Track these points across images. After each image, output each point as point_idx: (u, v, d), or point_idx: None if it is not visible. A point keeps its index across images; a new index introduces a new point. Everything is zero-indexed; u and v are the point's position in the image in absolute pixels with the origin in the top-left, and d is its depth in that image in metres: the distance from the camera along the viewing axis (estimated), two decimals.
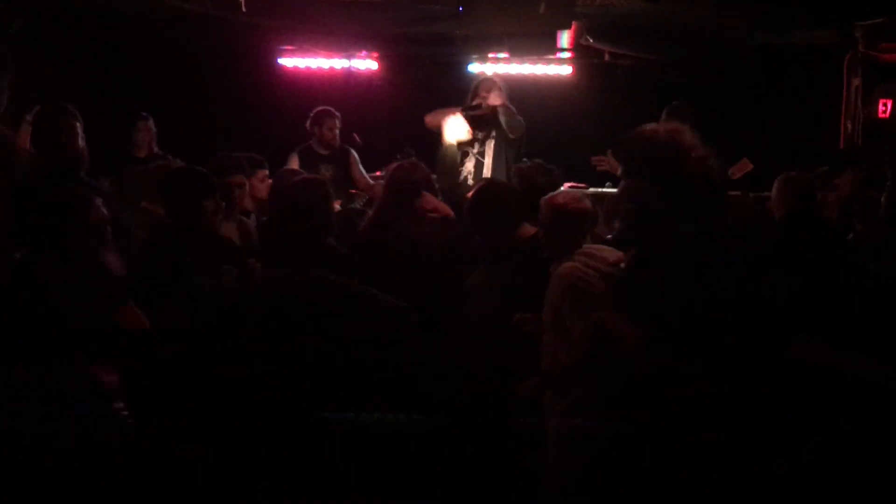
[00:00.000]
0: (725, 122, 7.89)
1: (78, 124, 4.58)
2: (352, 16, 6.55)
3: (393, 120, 7.72)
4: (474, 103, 6.70)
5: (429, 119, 6.96)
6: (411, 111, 7.25)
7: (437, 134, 6.82)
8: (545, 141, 7.96)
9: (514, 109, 6.62)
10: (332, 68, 8.81)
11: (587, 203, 3.60)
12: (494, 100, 6.64)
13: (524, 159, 7.25)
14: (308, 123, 7.00)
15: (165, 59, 8.13)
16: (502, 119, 6.59)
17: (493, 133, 6.66)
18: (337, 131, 6.98)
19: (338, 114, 7.01)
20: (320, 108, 7.05)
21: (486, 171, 6.63)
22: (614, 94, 8.66)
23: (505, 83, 6.81)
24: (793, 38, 7.20)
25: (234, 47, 8.11)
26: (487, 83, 6.76)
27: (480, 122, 6.64)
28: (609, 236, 4.04)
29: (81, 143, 4.56)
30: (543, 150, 7.56)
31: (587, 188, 7.99)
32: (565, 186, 7.99)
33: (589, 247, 3.49)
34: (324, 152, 6.93)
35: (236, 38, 7.71)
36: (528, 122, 6.94)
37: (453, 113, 6.75)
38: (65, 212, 3.26)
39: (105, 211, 3.38)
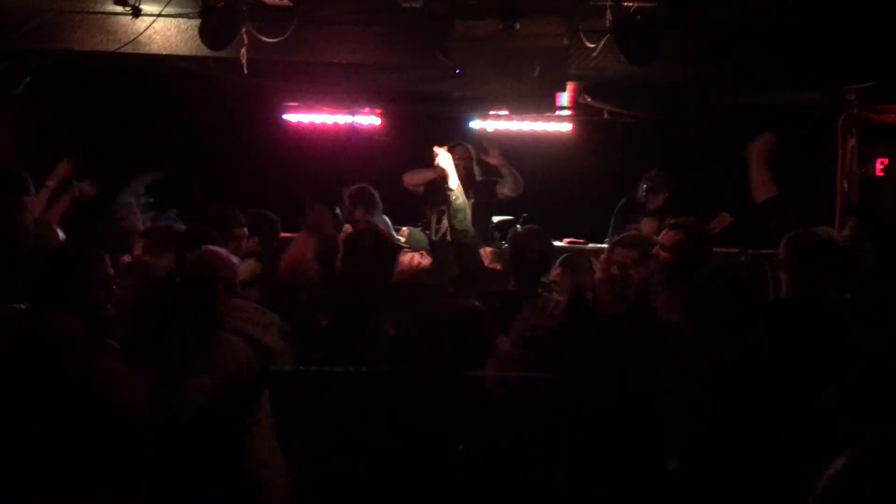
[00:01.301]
0: (722, 180, 7.97)
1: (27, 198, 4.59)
2: (352, 77, 6.68)
3: (396, 173, 7.81)
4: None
5: (407, 178, 7.05)
6: (414, 165, 7.33)
7: (416, 193, 6.93)
8: (546, 197, 8.04)
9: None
10: (335, 124, 8.94)
11: (228, 270, 3.71)
12: (494, 160, 6.76)
13: (524, 215, 7.35)
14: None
15: (170, 115, 8.27)
16: (508, 181, 6.72)
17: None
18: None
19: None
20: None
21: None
22: (614, 150, 8.75)
23: (474, 148, 6.96)
24: (785, 99, 7.26)
25: (239, 103, 8.24)
26: (460, 150, 6.85)
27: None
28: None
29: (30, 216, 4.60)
30: (544, 205, 7.67)
31: (586, 244, 8.07)
32: (564, 242, 8.10)
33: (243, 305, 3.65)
34: None
35: (241, 94, 7.84)
36: (528, 177, 7.04)
37: (431, 174, 6.76)
38: (75, 268, 3.33)
39: (111, 269, 3.47)
